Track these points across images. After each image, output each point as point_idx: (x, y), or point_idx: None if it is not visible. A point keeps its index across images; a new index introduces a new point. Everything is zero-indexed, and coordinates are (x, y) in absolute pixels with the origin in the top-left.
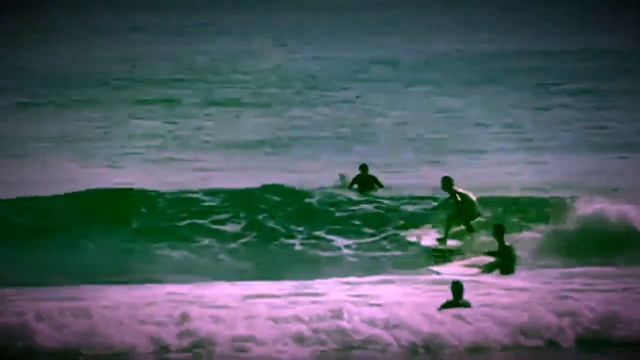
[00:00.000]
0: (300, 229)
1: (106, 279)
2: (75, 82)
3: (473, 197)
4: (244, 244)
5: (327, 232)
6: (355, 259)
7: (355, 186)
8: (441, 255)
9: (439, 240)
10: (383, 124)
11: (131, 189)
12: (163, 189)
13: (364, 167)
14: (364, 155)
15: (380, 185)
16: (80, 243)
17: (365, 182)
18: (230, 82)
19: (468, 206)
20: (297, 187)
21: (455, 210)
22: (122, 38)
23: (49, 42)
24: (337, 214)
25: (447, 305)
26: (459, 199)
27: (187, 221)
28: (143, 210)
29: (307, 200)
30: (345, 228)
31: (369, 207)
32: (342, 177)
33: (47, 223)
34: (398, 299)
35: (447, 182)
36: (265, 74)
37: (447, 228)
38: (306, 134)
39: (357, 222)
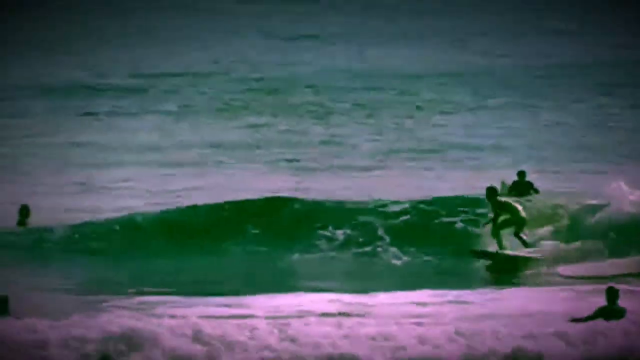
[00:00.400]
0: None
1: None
2: (240, 87)
3: (518, 206)
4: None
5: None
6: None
7: (514, 192)
8: (496, 266)
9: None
10: (546, 129)
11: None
12: (327, 197)
13: (521, 173)
14: (523, 161)
15: (536, 191)
16: (253, 250)
17: (523, 188)
18: (397, 87)
19: (511, 215)
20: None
21: (494, 220)
22: (316, 45)
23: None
24: None
25: (599, 311)
26: (497, 209)
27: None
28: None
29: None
30: None
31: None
32: (503, 183)
33: (217, 230)
34: (553, 306)
35: (489, 193)
36: (435, 79)
37: (497, 238)
38: (465, 140)
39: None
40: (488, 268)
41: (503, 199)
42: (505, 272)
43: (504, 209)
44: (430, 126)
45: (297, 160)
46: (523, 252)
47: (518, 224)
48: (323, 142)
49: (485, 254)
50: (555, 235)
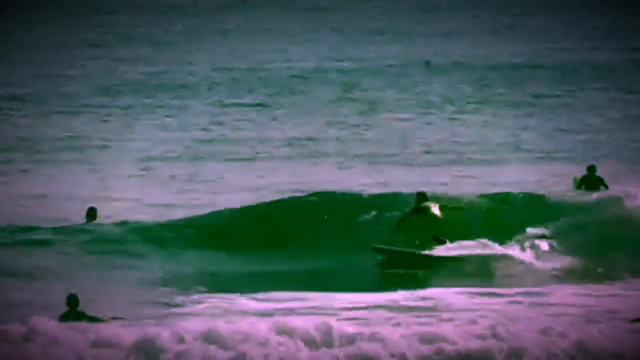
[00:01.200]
0: None
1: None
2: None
3: (436, 211)
4: None
5: None
6: None
7: (583, 187)
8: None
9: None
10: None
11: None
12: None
13: (591, 168)
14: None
15: (606, 187)
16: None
17: (592, 182)
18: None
19: (429, 218)
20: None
21: (404, 218)
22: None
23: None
24: None
25: None
26: (417, 212)
27: None
28: None
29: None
30: None
31: None
32: (574, 178)
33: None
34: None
35: (419, 198)
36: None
37: (402, 234)
38: (551, 135)
39: None
40: (383, 265)
41: (426, 203)
42: (403, 269)
43: (423, 213)
44: (510, 117)
45: (373, 155)
46: (435, 251)
47: (435, 226)
48: (400, 137)
49: (387, 251)
50: None
